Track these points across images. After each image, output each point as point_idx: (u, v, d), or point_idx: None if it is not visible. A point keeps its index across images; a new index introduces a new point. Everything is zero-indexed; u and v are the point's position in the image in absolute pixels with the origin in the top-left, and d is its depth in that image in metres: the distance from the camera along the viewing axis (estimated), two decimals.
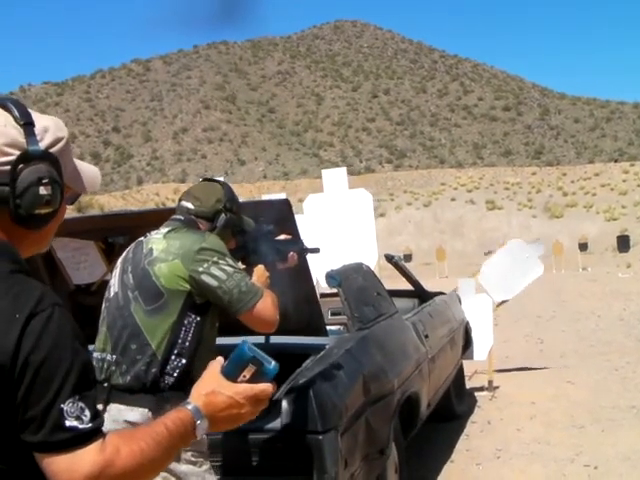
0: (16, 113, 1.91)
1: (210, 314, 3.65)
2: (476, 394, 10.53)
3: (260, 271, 3.96)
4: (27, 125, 1.90)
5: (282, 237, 4.25)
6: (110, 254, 5.31)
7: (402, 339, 6.74)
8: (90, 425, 1.75)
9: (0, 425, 1.72)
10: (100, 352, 3.70)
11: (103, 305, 3.82)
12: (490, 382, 10.72)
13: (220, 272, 3.55)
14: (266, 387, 2.06)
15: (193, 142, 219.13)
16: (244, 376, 2.03)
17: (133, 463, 1.79)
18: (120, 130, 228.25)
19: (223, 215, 3.85)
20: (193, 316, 3.58)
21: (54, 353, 1.73)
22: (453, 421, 9.11)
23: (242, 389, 2.03)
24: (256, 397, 2.05)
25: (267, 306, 3.64)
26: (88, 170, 2.13)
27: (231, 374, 2.04)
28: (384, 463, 5.46)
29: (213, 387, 2.03)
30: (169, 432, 1.90)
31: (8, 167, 1.86)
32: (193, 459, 3.51)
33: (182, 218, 3.83)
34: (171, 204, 44.41)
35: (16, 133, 1.89)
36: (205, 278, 3.54)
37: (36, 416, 1.71)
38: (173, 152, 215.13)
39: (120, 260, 3.90)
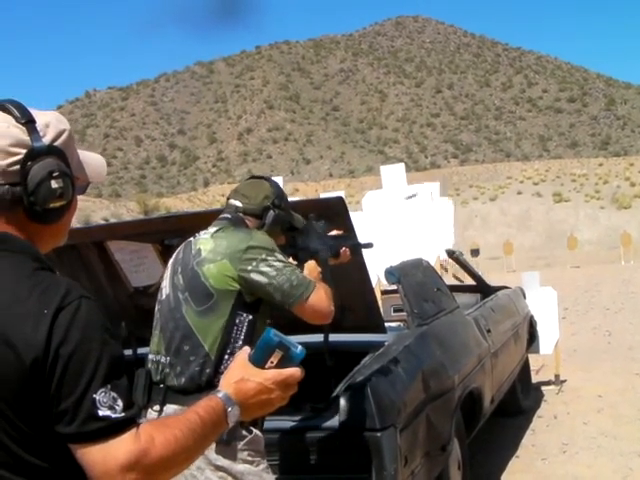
0: (16, 113, 1.93)
1: (261, 312, 3.63)
2: (543, 388, 10.43)
3: (311, 266, 3.94)
4: (29, 123, 1.93)
5: (334, 233, 4.22)
6: (167, 256, 5.35)
7: (463, 334, 6.69)
8: (123, 414, 1.77)
9: (37, 418, 1.75)
10: (155, 354, 3.70)
11: (156, 307, 3.82)
12: (557, 376, 10.61)
13: (269, 268, 3.52)
14: (294, 371, 2.06)
15: (258, 142, 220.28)
16: (271, 362, 2.04)
17: (168, 451, 1.80)
18: (185, 132, 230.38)
19: (272, 212, 3.81)
20: (244, 315, 3.55)
21: (83, 344, 1.76)
22: (519, 416, 9.03)
23: (271, 375, 2.04)
24: (285, 382, 2.06)
25: (321, 297, 3.62)
26: (93, 159, 2.16)
27: (259, 361, 2.05)
28: (446, 459, 5.42)
29: (242, 375, 2.04)
30: (202, 420, 1.91)
31: (17, 167, 1.89)
32: (250, 458, 3.48)
33: (229, 217, 3.80)
34: None
35: (19, 132, 1.91)
36: (254, 276, 3.51)
37: (69, 407, 1.73)
38: (238, 153, 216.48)
39: (170, 262, 3.90)
